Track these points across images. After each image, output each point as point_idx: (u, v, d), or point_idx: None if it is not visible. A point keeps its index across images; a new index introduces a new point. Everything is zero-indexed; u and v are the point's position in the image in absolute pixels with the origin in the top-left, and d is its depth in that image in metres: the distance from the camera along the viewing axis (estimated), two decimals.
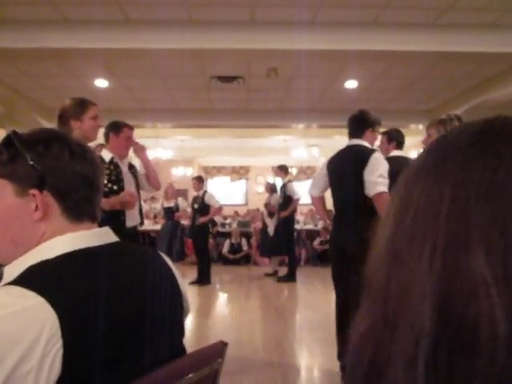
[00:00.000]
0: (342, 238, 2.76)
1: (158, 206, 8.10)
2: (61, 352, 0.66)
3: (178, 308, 0.93)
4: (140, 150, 3.33)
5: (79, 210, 0.84)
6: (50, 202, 0.81)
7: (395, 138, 3.73)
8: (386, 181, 2.64)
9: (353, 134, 2.88)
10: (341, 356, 2.87)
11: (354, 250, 2.61)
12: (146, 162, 3.37)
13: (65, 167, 0.81)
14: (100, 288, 0.76)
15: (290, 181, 7.05)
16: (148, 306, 0.82)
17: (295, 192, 6.84)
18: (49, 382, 0.66)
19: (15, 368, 0.64)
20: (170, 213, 7.25)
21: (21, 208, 0.80)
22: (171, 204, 7.34)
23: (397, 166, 3.39)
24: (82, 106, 2.49)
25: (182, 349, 0.93)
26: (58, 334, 0.67)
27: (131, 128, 3.21)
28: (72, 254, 0.78)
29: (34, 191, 0.79)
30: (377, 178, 2.63)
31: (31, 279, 0.72)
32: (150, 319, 0.82)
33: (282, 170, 7.14)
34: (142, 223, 3.31)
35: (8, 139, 0.81)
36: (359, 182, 2.66)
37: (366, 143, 2.84)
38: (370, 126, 2.87)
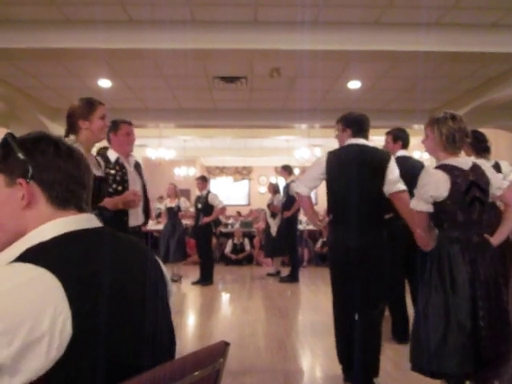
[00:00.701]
0: (364, 242, 2.63)
1: (162, 206, 8.14)
2: (69, 316, 0.74)
3: (165, 286, 1.03)
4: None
5: (63, 200, 0.93)
6: (35, 192, 0.91)
7: (400, 138, 3.72)
8: None
9: (360, 134, 2.84)
10: (342, 359, 2.83)
11: (381, 253, 2.68)
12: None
13: (49, 161, 0.92)
14: (98, 259, 0.86)
15: (293, 181, 7.03)
16: (141, 279, 0.93)
17: None
18: (61, 344, 0.73)
19: (29, 334, 0.71)
20: (171, 213, 7.28)
21: (9, 196, 0.91)
22: (173, 204, 7.36)
23: (405, 167, 3.38)
24: (90, 105, 2.50)
25: (171, 327, 1.01)
26: (65, 300, 0.74)
27: (129, 123, 3.23)
28: (65, 235, 0.88)
29: (20, 180, 0.90)
30: (397, 176, 2.73)
31: (31, 256, 0.80)
32: (143, 290, 0.92)
33: (286, 170, 7.14)
34: (146, 222, 3.31)
35: (5, 140, 0.94)
36: (379, 184, 2.69)
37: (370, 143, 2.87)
38: (369, 128, 2.93)
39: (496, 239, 2.16)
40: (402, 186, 2.71)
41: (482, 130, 3.86)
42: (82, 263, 0.82)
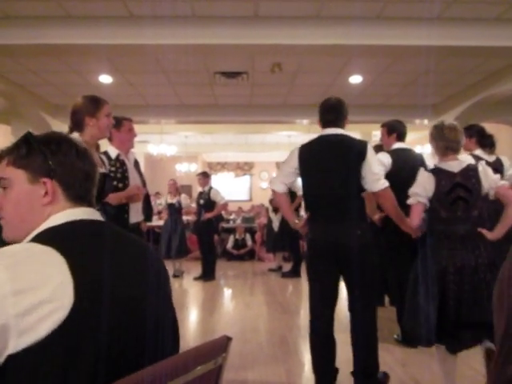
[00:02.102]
0: (343, 238, 2.49)
1: (162, 202, 8.14)
2: (72, 286, 0.82)
3: (167, 279, 1.10)
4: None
5: (79, 197, 1.03)
6: (56, 190, 1.00)
7: (395, 129, 3.63)
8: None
9: (333, 123, 2.62)
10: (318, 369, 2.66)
11: (360, 250, 2.48)
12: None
13: (71, 163, 1.01)
14: (101, 243, 0.94)
15: None
16: (143, 265, 1.01)
17: (299, 188, 6.80)
18: (63, 309, 0.80)
19: (35, 297, 0.79)
20: (171, 209, 7.30)
21: (31, 192, 0.99)
22: (174, 201, 7.38)
23: (400, 160, 3.36)
24: (96, 103, 2.51)
25: (175, 320, 1.07)
26: (67, 272, 0.83)
27: (130, 120, 3.30)
28: (73, 221, 0.97)
29: (45, 179, 0.98)
30: (379, 171, 2.56)
31: (40, 238, 0.90)
32: (144, 281, 0.98)
33: None
34: (149, 219, 3.33)
35: (25, 138, 1.01)
36: (356, 176, 2.50)
37: (346, 133, 2.65)
38: (347, 115, 2.70)
39: (493, 235, 2.39)
40: (384, 183, 2.53)
41: (483, 124, 3.86)
42: (85, 244, 0.91)
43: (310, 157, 2.61)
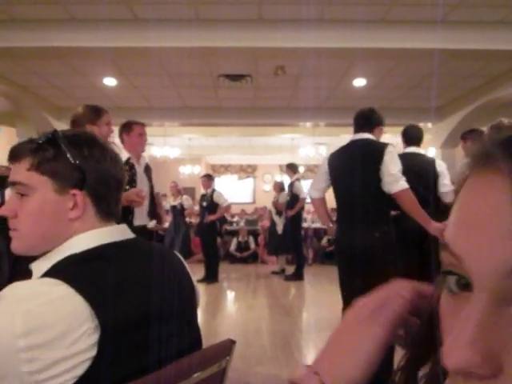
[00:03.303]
0: (359, 240, 2.52)
1: (166, 205, 8.19)
2: (94, 343, 0.71)
3: (194, 301, 0.98)
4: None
5: (110, 211, 0.89)
6: (86, 203, 0.85)
7: (404, 134, 3.59)
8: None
9: (361, 129, 2.70)
10: None
11: (378, 251, 2.49)
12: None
13: (104, 171, 0.86)
14: (124, 276, 0.81)
15: (297, 179, 7.02)
16: (171, 296, 0.87)
17: (301, 191, 6.82)
18: (84, 366, 0.70)
19: (53, 352, 0.68)
20: (174, 211, 7.31)
21: (58, 205, 0.83)
22: (175, 203, 7.40)
23: (403, 164, 3.33)
24: (97, 111, 2.58)
25: (200, 340, 0.98)
26: (90, 319, 0.71)
27: (142, 124, 3.29)
28: (98, 248, 0.82)
29: (74, 191, 0.83)
30: (397, 172, 2.50)
31: (61, 271, 0.76)
32: (172, 308, 0.87)
33: (291, 168, 7.12)
34: (159, 222, 3.36)
35: (52, 137, 0.84)
36: (375, 178, 2.50)
37: (374, 137, 2.72)
38: (380, 123, 2.76)
39: None
40: (404, 184, 2.49)
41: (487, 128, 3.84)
42: (111, 282, 0.77)
43: (336, 162, 2.73)
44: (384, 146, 2.57)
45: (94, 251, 0.82)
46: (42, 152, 0.82)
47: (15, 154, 0.85)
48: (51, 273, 0.77)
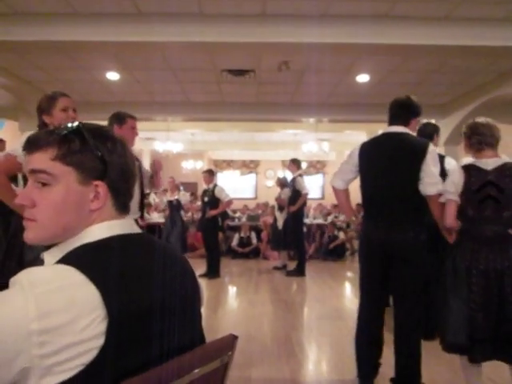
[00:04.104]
0: (393, 238, 2.45)
1: (164, 200, 8.21)
2: (103, 329, 0.72)
3: (198, 298, 0.99)
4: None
5: (126, 204, 0.92)
6: (107, 195, 0.87)
7: (418, 132, 3.44)
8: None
9: (397, 121, 2.57)
10: (367, 376, 2.61)
11: (413, 251, 2.45)
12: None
13: (124, 164, 0.89)
14: (136, 267, 0.83)
15: (300, 175, 7.01)
16: (175, 291, 0.88)
17: (303, 186, 6.81)
18: (93, 352, 0.71)
19: (63, 337, 0.70)
20: (170, 206, 7.36)
21: (81, 196, 0.85)
22: (172, 198, 7.45)
23: None
24: (50, 99, 2.39)
25: (203, 336, 0.98)
26: (100, 307, 0.73)
27: (134, 118, 3.17)
28: (110, 238, 0.84)
29: (97, 182, 0.85)
30: (437, 174, 2.45)
31: (74, 259, 0.78)
32: (180, 302, 0.88)
33: (295, 163, 7.07)
34: (141, 216, 3.29)
35: (78, 130, 0.85)
36: (414, 177, 2.42)
37: (410, 131, 2.59)
38: (417, 114, 2.63)
39: None
40: (439, 190, 2.41)
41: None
42: (122, 271, 0.79)
43: (369, 154, 2.58)
44: (426, 144, 2.48)
45: (107, 241, 0.83)
46: (68, 143, 0.84)
47: (37, 143, 0.85)
48: (65, 260, 0.78)
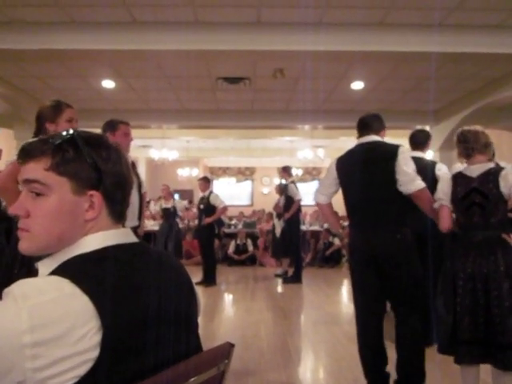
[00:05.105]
0: (382, 243, 2.49)
1: (157, 207, 8.18)
2: (98, 342, 0.71)
3: (195, 307, 0.97)
4: None
5: (121, 213, 0.90)
6: (102, 204, 0.85)
7: (410, 139, 3.65)
8: None
9: (369, 131, 2.67)
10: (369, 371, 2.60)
11: (402, 253, 2.49)
12: None
13: (119, 173, 0.87)
14: (130, 278, 0.81)
15: (292, 182, 7.05)
16: (170, 301, 0.86)
17: (296, 193, 6.87)
18: (87, 364, 0.70)
19: (56, 350, 0.68)
20: (167, 213, 7.36)
21: (75, 206, 0.83)
22: (168, 205, 7.45)
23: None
24: (57, 108, 2.43)
25: (200, 345, 0.96)
26: (94, 319, 0.71)
27: (127, 124, 3.15)
28: (104, 249, 0.83)
29: (92, 192, 0.83)
30: (412, 171, 2.50)
31: (68, 270, 0.76)
32: (175, 312, 0.87)
33: (286, 171, 7.16)
34: (138, 226, 3.25)
35: (72, 138, 0.84)
36: (390, 179, 2.49)
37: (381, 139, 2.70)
38: (384, 127, 2.76)
39: None
40: (420, 184, 2.49)
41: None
42: (116, 283, 0.77)
43: (346, 165, 2.68)
44: (396, 147, 2.56)
45: (102, 252, 0.82)
46: (61, 152, 0.82)
47: (30, 153, 0.83)
48: (58, 271, 0.77)
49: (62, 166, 0.82)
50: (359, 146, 2.69)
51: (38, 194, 0.83)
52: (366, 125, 2.69)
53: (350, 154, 2.72)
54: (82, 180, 0.83)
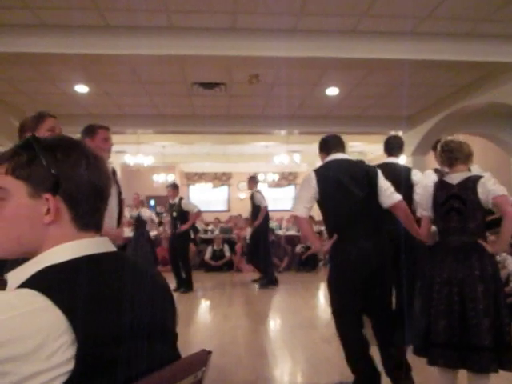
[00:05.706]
0: (378, 252, 2.65)
1: (127, 215, 8.08)
2: (72, 354, 0.69)
3: (172, 317, 0.96)
4: None
5: (87, 219, 0.87)
6: (61, 208, 0.83)
7: (384, 145, 3.76)
8: None
9: (341, 150, 2.89)
10: (378, 378, 2.69)
11: (387, 260, 2.70)
12: None
13: (80, 176, 0.85)
14: (104, 290, 0.79)
15: (258, 191, 7.26)
16: (145, 312, 0.85)
17: (261, 201, 7.07)
18: (62, 378, 0.69)
19: (27, 365, 0.67)
20: (137, 221, 7.34)
21: (32, 209, 0.83)
22: (134, 213, 7.42)
23: (385, 173, 3.42)
24: (38, 118, 2.44)
25: (178, 354, 0.94)
26: (67, 332, 0.70)
27: (107, 128, 3.10)
28: (77, 260, 0.81)
29: (47, 195, 0.82)
30: (390, 186, 2.74)
31: (39, 282, 0.74)
32: (150, 324, 0.85)
33: (252, 180, 7.41)
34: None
35: (27, 142, 0.84)
36: (373, 194, 2.70)
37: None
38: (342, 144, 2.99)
39: (494, 248, 2.40)
40: (398, 196, 2.72)
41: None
42: (90, 295, 0.76)
43: (329, 180, 2.73)
44: (375, 168, 2.84)
45: (73, 263, 0.80)
46: (17, 157, 0.83)
47: None
48: (29, 284, 0.75)
49: (17, 169, 0.83)
50: (340, 161, 2.82)
51: (1, 199, 0.83)
52: (341, 143, 2.90)
53: (331, 167, 2.79)
54: (37, 183, 0.82)
